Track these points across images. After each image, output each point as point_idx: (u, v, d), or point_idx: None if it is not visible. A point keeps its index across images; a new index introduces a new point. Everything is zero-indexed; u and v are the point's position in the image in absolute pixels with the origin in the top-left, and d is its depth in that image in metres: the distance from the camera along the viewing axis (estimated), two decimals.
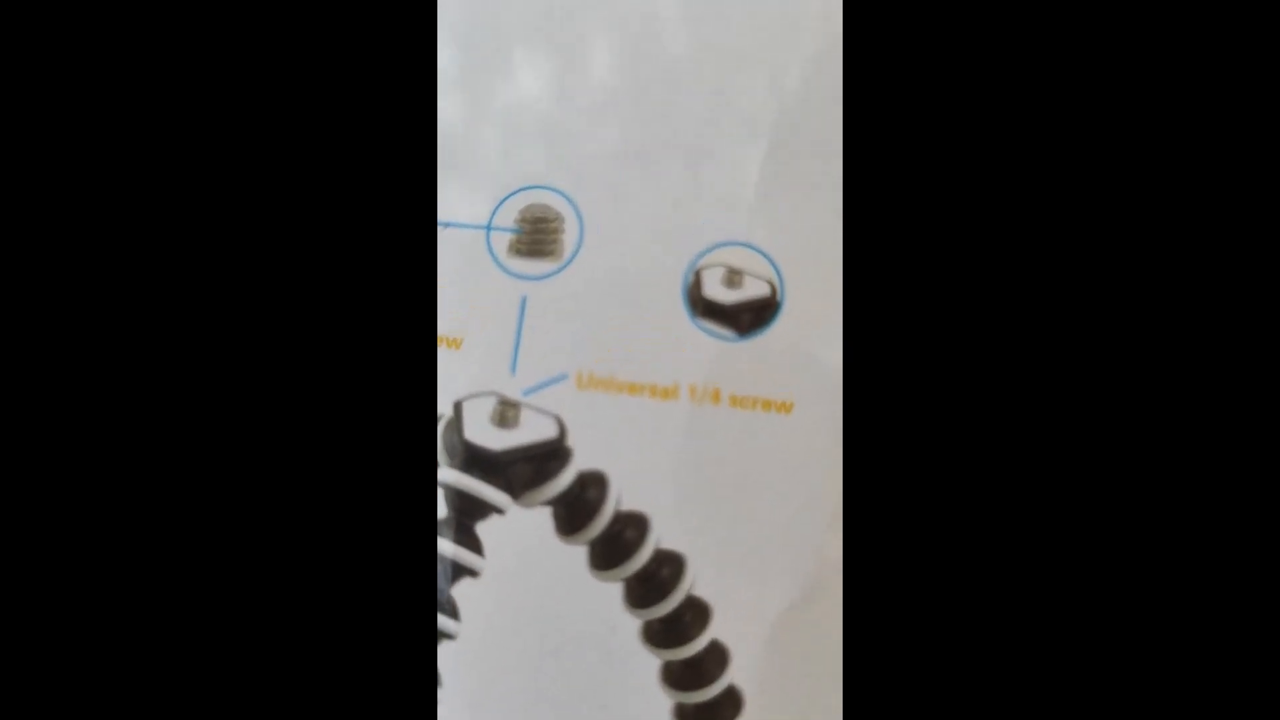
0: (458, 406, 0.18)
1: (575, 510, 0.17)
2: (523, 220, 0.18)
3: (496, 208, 0.18)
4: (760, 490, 0.17)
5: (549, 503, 0.17)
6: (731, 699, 0.17)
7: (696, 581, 0.17)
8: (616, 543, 0.17)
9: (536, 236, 0.18)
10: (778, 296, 0.18)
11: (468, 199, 0.18)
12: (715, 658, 0.17)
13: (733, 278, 0.18)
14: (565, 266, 0.18)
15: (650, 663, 0.17)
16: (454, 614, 0.17)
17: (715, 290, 0.18)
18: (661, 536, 0.17)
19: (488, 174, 0.18)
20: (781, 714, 0.17)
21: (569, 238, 0.18)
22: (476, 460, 0.17)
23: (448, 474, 0.17)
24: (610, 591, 0.17)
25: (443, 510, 0.17)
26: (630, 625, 0.17)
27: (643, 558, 0.17)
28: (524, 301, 0.18)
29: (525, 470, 0.17)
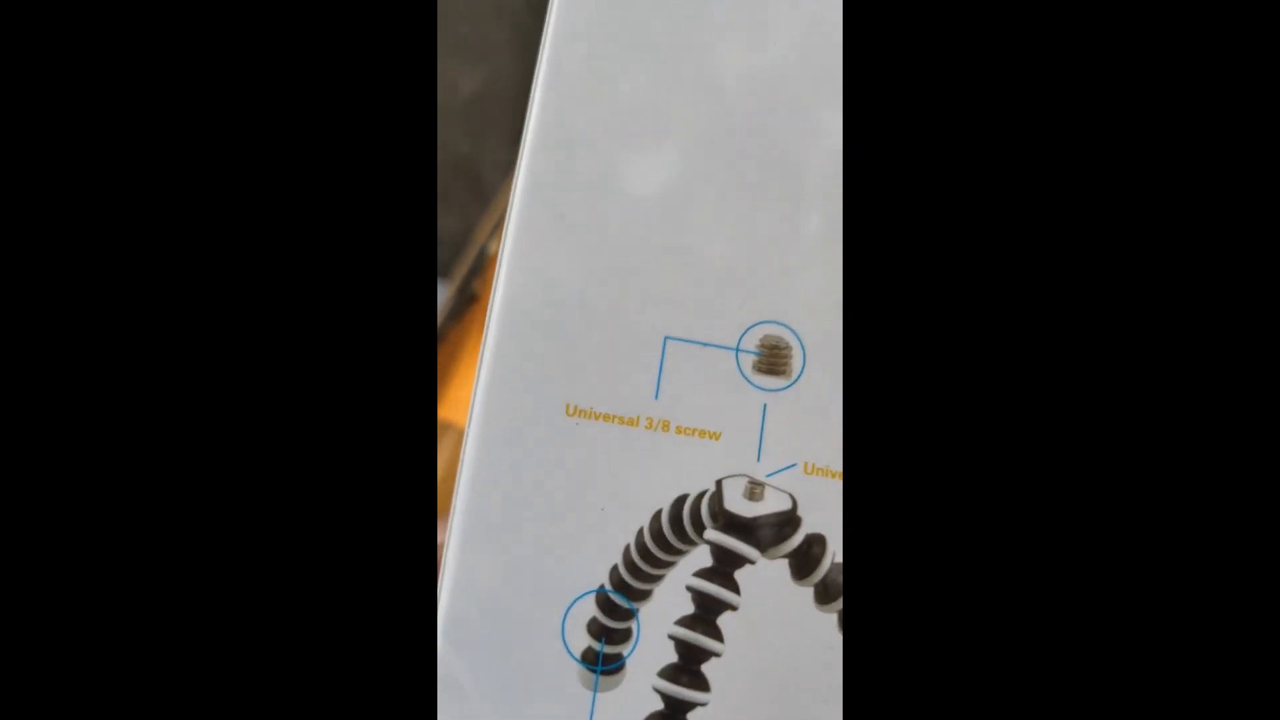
0: (719, 484, 0.24)
1: (804, 562, 0.24)
2: (762, 345, 0.24)
3: (741, 335, 0.24)
4: None
5: (786, 556, 0.24)
6: None
7: None
8: (833, 586, 0.24)
9: (773, 359, 0.24)
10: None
11: (720, 326, 0.24)
12: None
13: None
14: (795, 382, 0.24)
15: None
16: (720, 638, 0.23)
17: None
18: None
19: (731, 307, 0.24)
20: None
21: (796, 361, 0.24)
22: (733, 524, 0.24)
23: (712, 534, 0.23)
24: (829, 619, 0.24)
25: (709, 561, 0.24)
26: (837, 639, 0.24)
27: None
28: (765, 408, 0.24)
29: (769, 533, 0.24)
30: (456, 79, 0.32)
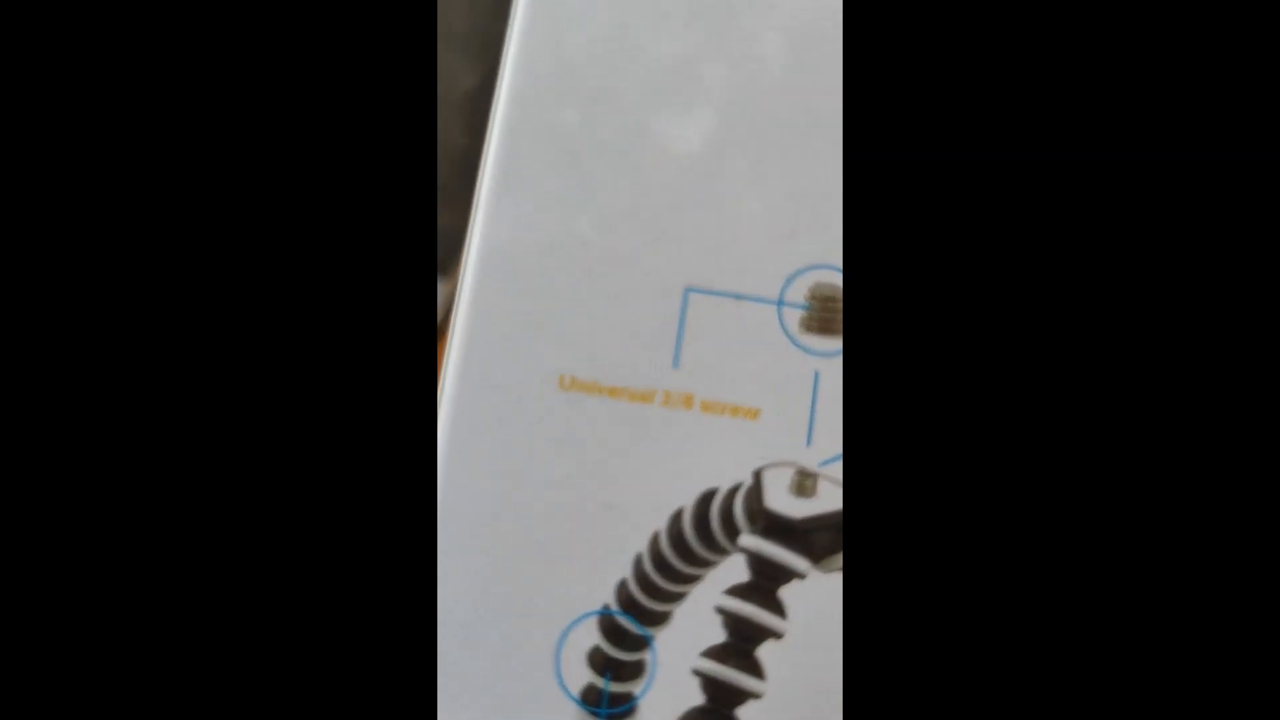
0: (757, 475, 0.19)
1: None
2: (813, 297, 0.19)
3: (785, 285, 0.19)
4: None
5: (844, 569, 0.19)
6: None
7: None
8: None
9: (827, 314, 0.19)
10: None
11: (755, 274, 0.19)
12: None
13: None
14: None
15: None
16: (760, 674, 0.18)
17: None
18: None
19: (771, 251, 0.19)
20: None
21: None
22: (777, 527, 0.18)
23: (749, 540, 0.18)
24: None
25: (745, 575, 0.19)
26: None
27: None
28: (816, 376, 0.19)
29: (825, 537, 0.19)
30: (456, 74, 0.33)
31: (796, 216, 0.19)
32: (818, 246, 0.19)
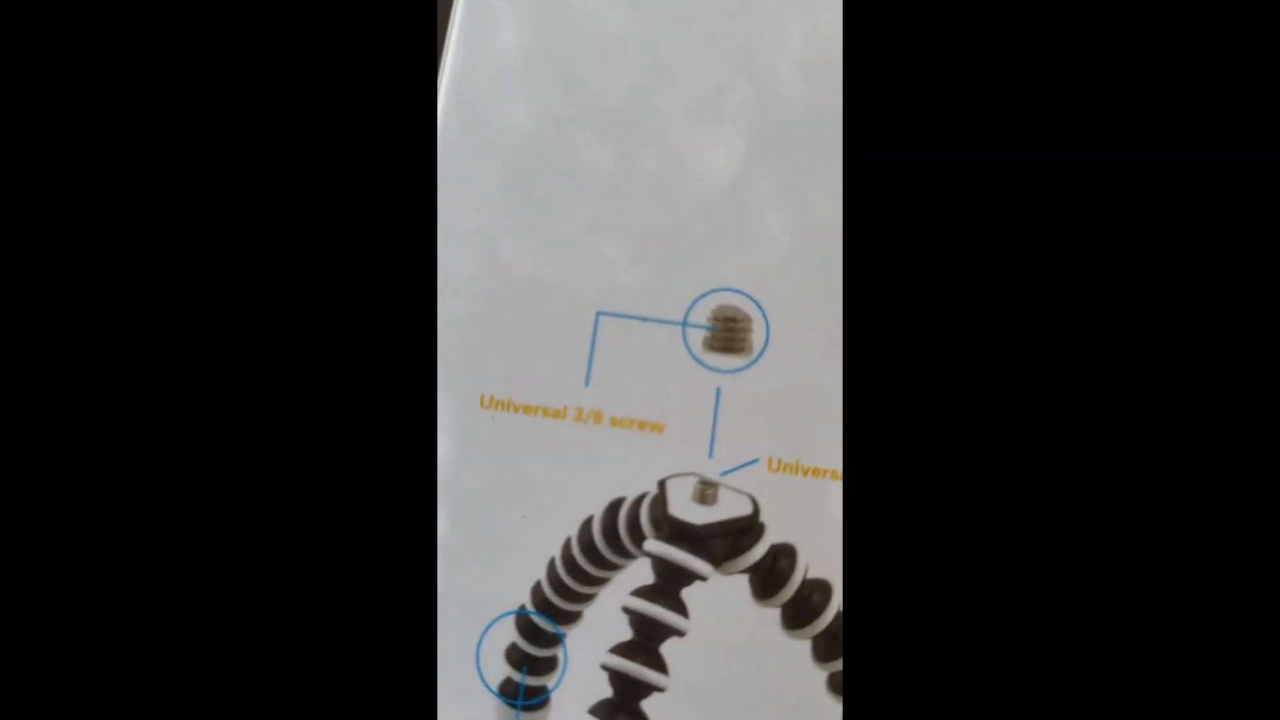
0: (662, 485, 0.20)
1: (769, 578, 0.20)
2: (715, 318, 0.20)
3: (690, 307, 0.20)
4: None
5: (746, 571, 0.20)
6: None
7: None
8: (805, 606, 0.20)
9: (729, 334, 0.20)
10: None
11: (662, 296, 0.20)
12: None
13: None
14: (755, 361, 0.20)
15: (835, 708, 0.20)
16: (663, 669, 0.20)
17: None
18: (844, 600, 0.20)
19: (681, 273, 0.20)
20: None
21: (757, 335, 0.20)
22: (680, 533, 0.20)
23: (654, 545, 0.20)
24: (801, 648, 0.20)
25: (650, 577, 0.20)
26: (819, 677, 0.20)
27: (827, 618, 0.20)
28: (719, 392, 0.20)
29: (724, 543, 0.20)
30: None
31: (702, 240, 0.20)
32: (721, 270, 0.20)
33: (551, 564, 0.20)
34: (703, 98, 0.20)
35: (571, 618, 0.20)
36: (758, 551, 0.20)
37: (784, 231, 0.20)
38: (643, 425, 0.20)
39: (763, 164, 0.20)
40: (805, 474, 0.20)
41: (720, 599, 0.20)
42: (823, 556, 0.20)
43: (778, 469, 0.20)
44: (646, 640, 0.19)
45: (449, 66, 0.21)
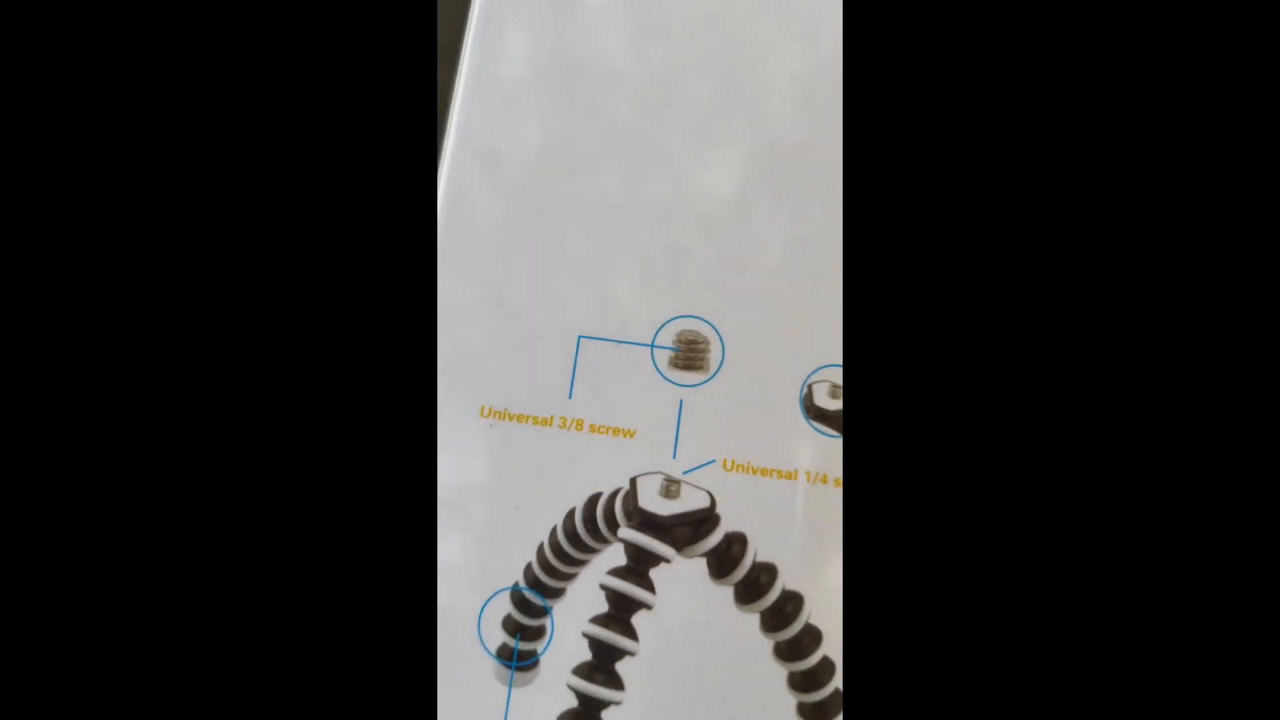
0: (633, 481, 0.24)
1: (723, 561, 0.23)
2: (679, 340, 0.24)
3: (657, 331, 0.24)
4: None
5: (704, 555, 0.23)
6: (836, 699, 0.23)
7: (813, 613, 0.23)
8: (754, 585, 0.23)
9: (690, 354, 0.24)
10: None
11: (633, 323, 0.24)
12: (826, 669, 0.23)
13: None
14: (713, 377, 0.24)
15: (779, 673, 0.23)
16: (634, 637, 0.23)
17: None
18: (787, 580, 0.23)
19: (648, 304, 0.24)
20: None
21: (714, 355, 0.24)
22: (648, 522, 0.23)
23: (627, 532, 0.23)
24: (750, 620, 0.23)
25: (623, 559, 0.23)
26: (765, 645, 0.23)
27: (773, 596, 0.23)
28: (681, 404, 0.24)
29: (685, 531, 0.23)
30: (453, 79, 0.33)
31: (672, 272, 0.24)
32: (685, 298, 0.24)
33: (540, 548, 0.23)
34: (698, 124, 0.24)
35: (557, 593, 0.23)
36: (714, 539, 0.23)
37: (741, 266, 0.24)
38: (617, 431, 0.24)
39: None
40: (756, 473, 0.23)
41: (682, 578, 0.23)
42: (770, 542, 0.23)
43: (732, 468, 0.23)
44: (620, 612, 0.23)
45: (460, 94, 0.24)
